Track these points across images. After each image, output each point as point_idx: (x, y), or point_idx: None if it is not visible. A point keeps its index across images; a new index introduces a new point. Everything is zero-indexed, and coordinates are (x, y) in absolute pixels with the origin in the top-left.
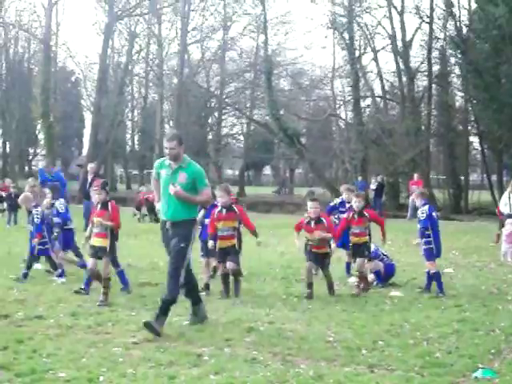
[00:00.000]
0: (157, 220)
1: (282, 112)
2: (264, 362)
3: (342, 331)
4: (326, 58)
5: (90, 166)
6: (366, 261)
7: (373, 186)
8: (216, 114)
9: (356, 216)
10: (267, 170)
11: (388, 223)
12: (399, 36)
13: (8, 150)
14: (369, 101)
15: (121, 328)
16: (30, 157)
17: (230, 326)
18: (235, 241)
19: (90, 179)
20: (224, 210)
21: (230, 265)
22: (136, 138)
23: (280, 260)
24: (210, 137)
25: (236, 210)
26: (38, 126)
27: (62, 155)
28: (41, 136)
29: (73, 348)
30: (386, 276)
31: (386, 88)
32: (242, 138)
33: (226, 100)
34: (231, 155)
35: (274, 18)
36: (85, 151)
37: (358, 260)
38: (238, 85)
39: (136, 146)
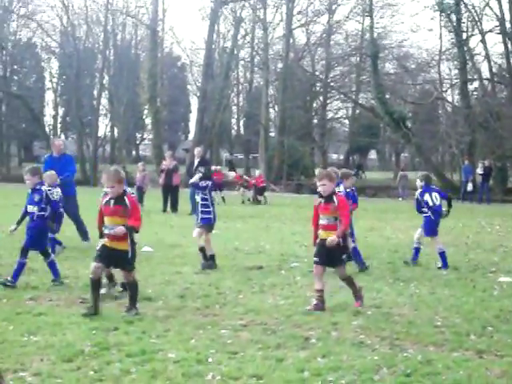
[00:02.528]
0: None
1: (387, 95)
2: (372, 346)
3: (450, 316)
4: (432, 41)
5: (197, 150)
6: (345, 267)
7: (480, 171)
8: (321, 98)
9: (322, 201)
10: (372, 155)
11: (495, 208)
12: (508, 17)
13: (116, 134)
14: (476, 84)
15: (228, 310)
16: (138, 141)
17: (336, 310)
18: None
19: (196, 163)
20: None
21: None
22: (241, 122)
23: (387, 244)
24: (315, 121)
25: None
26: (145, 111)
27: (168, 140)
28: (148, 121)
29: (181, 329)
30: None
31: (494, 70)
32: (347, 121)
33: (332, 84)
34: (336, 139)
35: (380, 1)
36: (191, 136)
37: (337, 270)
38: (344, 68)
39: (241, 131)
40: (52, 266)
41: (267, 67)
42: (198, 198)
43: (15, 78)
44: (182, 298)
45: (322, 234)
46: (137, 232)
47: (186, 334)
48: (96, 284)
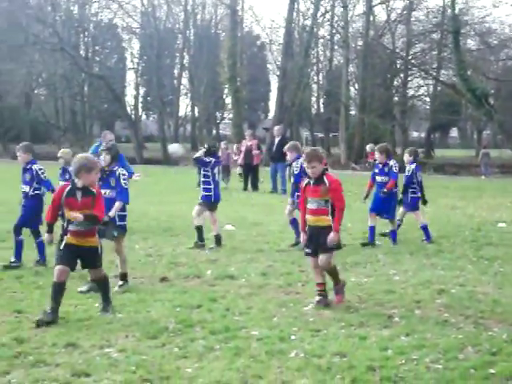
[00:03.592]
0: None
1: (469, 72)
2: (456, 325)
3: None
4: None
5: (276, 129)
6: (331, 254)
7: None
8: (402, 75)
9: (312, 183)
10: (454, 132)
11: None
12: None
13: (196, 114)
14: None
15: (311, 288)
16: (218, 121)
17: (419, 288)
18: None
19: (276, 141)
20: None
21: None
22: (321, 100)
23: (469, 222)
24: (395, 99)
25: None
26: (225, 90)
27: (248, 119)
28: (228, 100)
29: (264, 307)
30: None
31: None
32: (428, 99)
33: (412, 61)
34: (417, 117)
35: None
36: (270, 115)
37: (321, 257)
38: (425, 45)
39: (321, 109)
40: (40, 246)
41: (347, 45)
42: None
43: (97, 58)
44: (264, 275)
45: (310, 219)
46: (100, 224)
47: (269, 312)
48: (59, 288)
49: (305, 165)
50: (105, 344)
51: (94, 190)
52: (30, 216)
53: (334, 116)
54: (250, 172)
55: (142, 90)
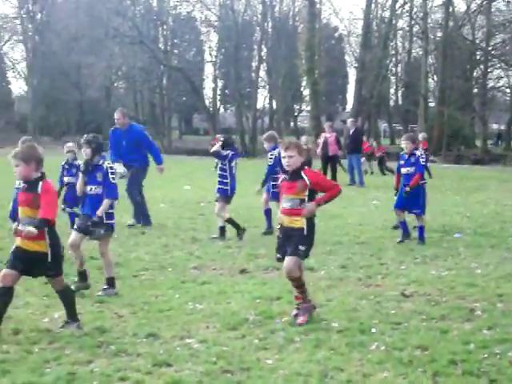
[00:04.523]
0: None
1: None
2: None
3: None
4: None
5: (349, 121)
6: (297, 260)
7: None
8: (481, 66)
9: (287, 178)
10: None
11: None
12: None
13: (274, 106)
14: None
15: (391, 281)
16: (296, 113)
17: (501, 282)
18: None
19: (350, 133)
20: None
21: None
22: (400, 92)
23: None
24: (475, 90)
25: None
26: (303, 83)
27: (326, 111)
28: (306, 92)
29: (344, 299)
30: None
31: None
32: (508, 90)
33: (492, 52)
34: (497, 109)
35: None
36: (348, 107)
37: (286, 260)
38: (505, 36)
39: (400, 101)
40: None
41: (426, 36)
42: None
43: (175, 51)
44: (343, 268)
45: (284, 220)
46: (49, 226)
47: (349, 304)
48: (3, 293)
49: (282, 154)
50: (185, 335)
51: (40, 185)
52: None
53: (413, 108)
54: (329, 164)
55: (220, 83)
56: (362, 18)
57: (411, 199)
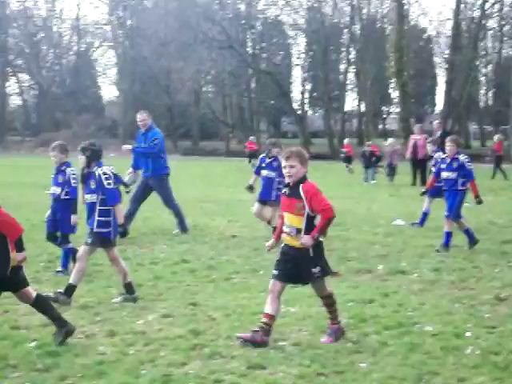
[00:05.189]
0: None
1: None
2: None
3: None
4: None
5: (436, 123)
6: (320, 283)
7: None
8: None
9: (287, 192)
10: None
11: None
12: None
13: (363, 109)
14: None
15: (485, 284)
16: (384, 115)
17: None
18: None
19: (437, 135)
20: None
21: None
22: (490, 93)
23: None
24: None
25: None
26: (392, 85)
27: (415, 113)
28: (394, 94)
29: (437, 303)
30: None
31: None
32: None
33: None
34: None
35: None
36: (438, 108)
37: (313, 287)
38: None
39: (490, 102)
40: (65, 255)
41: None
42: (272, 173)
43: (264, 55)
44: (436, 271)
45: (285, 238)
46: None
47: (442, 308)
48: None
49: (282, 164)
50: (279, 337)
51: None
52: (62, 219)
53: (504, 109)
54: (419, 167)
55: (308, 86)
56: (451, 18)
57: (448, 201)
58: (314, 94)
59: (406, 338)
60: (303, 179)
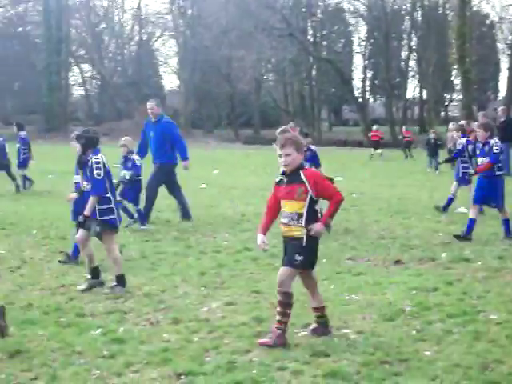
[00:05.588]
0: None
1: None
2: None
3: None
4: None
5: (500, 109)
6: (292, 272)
7: None
8: None
9: (285, 181)
10: None
11: None
12: None
13: (424, 96)
14: None
15: None
16: (446, 103)
17: None
18: None
19: (501, 122)
20: None
21: None
22: None
23: None
24: None
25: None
26: (454, 71)
27: (477, 100)
28: (457, 81)
29: (501, 291)
30: None
31: None
32: None
33: None
34: None
35: None
36: (501, 95)
37: (280, 270)
38: None
39: None
40: None
41: None
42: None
43: (324, 43)
44: (500, 259)
45: (282, 229)
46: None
47: (507, 296)
48: None
49: (277, 153)
50: (342, 325)
51: None
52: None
53: None
54: None
55: (369, 74)
56: None
57: (489, 192)
58: (375, 81)
59: (470, 327)
60: (302, 166)
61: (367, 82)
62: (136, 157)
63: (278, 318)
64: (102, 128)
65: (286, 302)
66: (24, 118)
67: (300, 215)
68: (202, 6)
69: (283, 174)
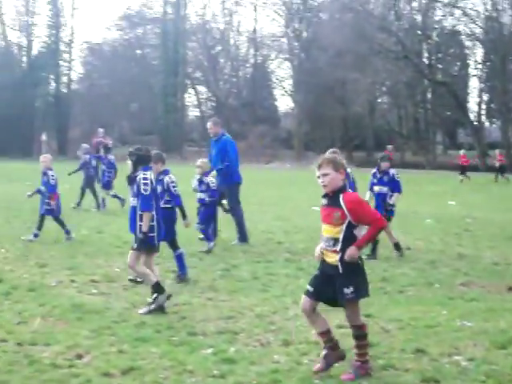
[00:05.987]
0: None
1: None
2: None
3: None
4: None
5: None
6: (353, 306)
7: None
8: None
9: (324, 203)
10: None
11: None
12: None
13: None
14: None
15: None
16: None
17: None
18: None
19: None
20: None
21: None
22: None
23: None
24: None
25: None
26: None
27: None
28: None
29: None
30: None
31: None
32: None
33: None
34: None
35: None
36: None
37: (344, 308)
38: None
39: None
40: (179, 259)
41: None
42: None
43: (439, 65)
44: None
45: (323, 253)
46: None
47: None
48: None
49: (316, 174)
50: (453, 352)
51: None
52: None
53: None
54: None
55: (485, 97)
56: None
57: None
58: (491, 104)
59: None
60: (343, 188)
61: (483, 105)
62: (211, 179)
63: (355, 351)
64: None
65: (360, 334)
66: (141, 139)
67: (336, 240)
68: (316, 28)
69: (325, 196)
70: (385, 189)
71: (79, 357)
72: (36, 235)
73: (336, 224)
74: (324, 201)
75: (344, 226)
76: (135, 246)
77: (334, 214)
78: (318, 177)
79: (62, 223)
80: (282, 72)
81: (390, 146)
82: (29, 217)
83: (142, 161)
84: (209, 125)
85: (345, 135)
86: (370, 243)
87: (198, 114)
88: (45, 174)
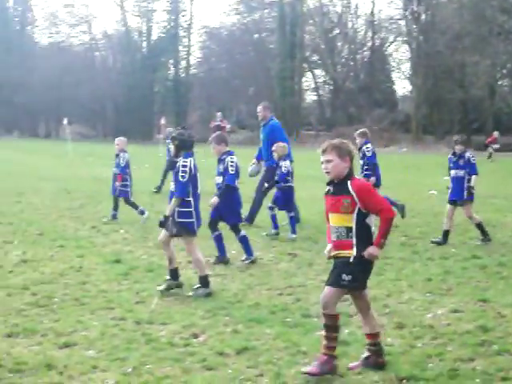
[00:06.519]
0: None
1: None
2: None
3: None
4: None
5: None
6: (338, 292)
7: None
8: None
9: (331, 191)
10: None
11: None
12: None
13: None
14: None
15: None
16: None
17: None
18: None
19: None
20: None
21: None
22: None
23: None
24: None
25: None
26: None
27: None
28: None
29: None
30: None
31: None
32: None
33: None
34: None
35: None
36: None
37: (324, 290)
38: None
39: None
40: (244, 241)
41: None
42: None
43: None
44: None
45: (332, 250)
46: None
47: None
48: None
49: (320, 160)
50: None
51: None
52: (225, 209)
53: None
54: None
55: None
56: None
57: None
58: None
59: None
60: (349, 175)
61: None
62: (284, 163)
63: (324, 342)
64: (334, 133)
65: (332, 324)
66: (258, 123)
67: (349, 229)
68: (435, 10)
69: (331, 183)
70: (461, 172)
71: (195, 336)
72: (114, 216)
73: (345, 212)
74: (330, 189)
75: (355, 215)
76: (174, 231)
77: (344, 201)
78: (322, 162)
79: (117, 205)
80: (399, 55)
81: (495, 132)
82: (148, 199)
83: (184, 146)
84: (259, 108)
85: (464, 118)
86: (386, 237)
87: (315, 97)
88: (117, 155)
